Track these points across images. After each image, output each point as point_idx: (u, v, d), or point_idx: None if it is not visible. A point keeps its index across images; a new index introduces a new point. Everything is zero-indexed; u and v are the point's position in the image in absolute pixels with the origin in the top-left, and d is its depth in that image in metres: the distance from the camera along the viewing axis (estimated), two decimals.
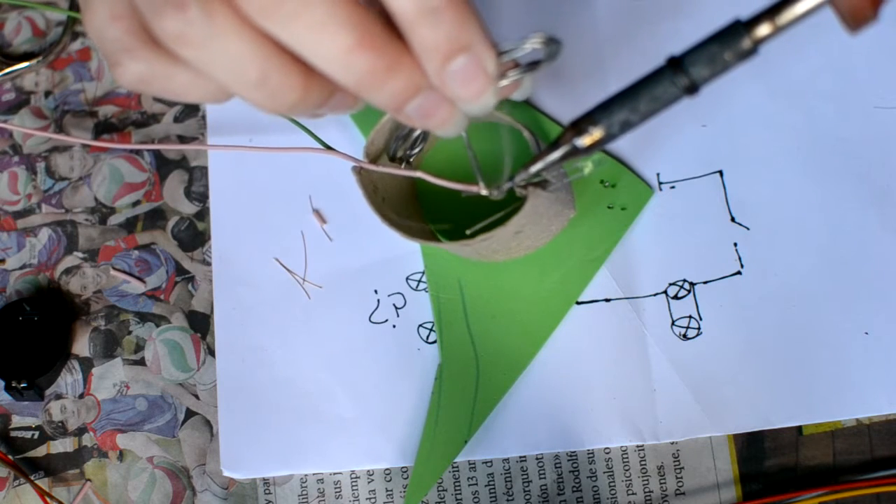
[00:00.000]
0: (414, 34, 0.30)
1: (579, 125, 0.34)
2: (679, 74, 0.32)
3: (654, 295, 0.47)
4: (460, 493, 0.46)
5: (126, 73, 0.32)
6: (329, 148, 0.46)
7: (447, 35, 0.30)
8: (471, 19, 0.30)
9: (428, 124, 0.33)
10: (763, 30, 0.31)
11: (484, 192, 0.40)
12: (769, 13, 0.31)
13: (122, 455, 0.47)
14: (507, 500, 0.46)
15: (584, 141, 0.34)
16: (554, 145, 0.35)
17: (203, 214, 0.50)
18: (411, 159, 0.45)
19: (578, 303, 0.47)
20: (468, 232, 0.42)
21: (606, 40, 0.50)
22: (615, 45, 0.50)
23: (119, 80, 0.32)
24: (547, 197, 0.41)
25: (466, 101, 0.32)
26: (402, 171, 0.44)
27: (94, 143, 0.50)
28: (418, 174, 0.42)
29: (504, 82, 0.33)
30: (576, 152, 0.35)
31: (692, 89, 0.32)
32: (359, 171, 0.44)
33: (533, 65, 0.34)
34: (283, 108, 0.32)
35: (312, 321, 0.48)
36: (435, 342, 0.47)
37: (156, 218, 0.50)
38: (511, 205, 0.41)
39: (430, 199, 0.48)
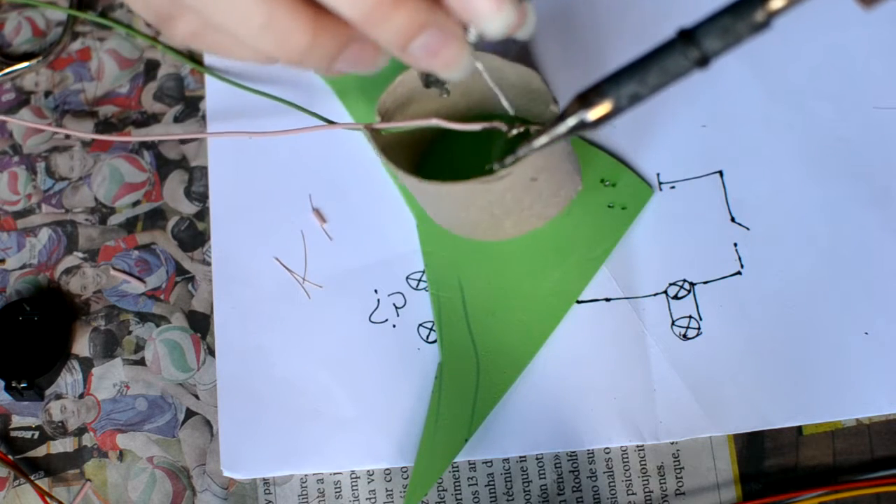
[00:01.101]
0: None
1: (587, 97, 0.33)
2: (690, 47, 0.31)
3: (654, 295, 0.47)
4: (460, 493, 0.46)
5: (177, 32, 0.33)
6: (331, 122, 0.45)
7: None
8: None
9: (434, 64, 0.32)
10: (777, 2, 0.30)
11: (504, 128, 0.39)
12: None
13: (122, 455, 0.47)
14: (507, 500, 0.46)
15: (592, 114, 0.33)
16: (560, 118, 0.34)
17: (203, 214, 0.50)
18: (446, 84, 0.41)
19: (579, 302, 0.47)
20: (488, 167, 0.40)
21: (607, 37, 0.50)
22: (616, 41, 0.50)
23: (172, 39, 0.34)
24: (562, 145, 0.40)
25: (484, 15, 0.31)
26: (416, 123, 0.42)
27: (92, 136, 0.50)
28: (434, 121, 0.41)
29: None
30: (583, 126, 0.34)
31: (703, 62, 0.31)
32: (372, 131, 0.43)
33: None
34: (295, 53, 0.31)
35: (312, 321, 0.48)
36: (435, 342, 0.47)
37: (156, 218, 0.50)
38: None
39: (437, 172, 0.48)
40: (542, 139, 0.36)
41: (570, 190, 0.45)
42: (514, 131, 0.39)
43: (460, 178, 0.40)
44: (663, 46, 0.32)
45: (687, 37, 0.31)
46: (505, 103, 0.40)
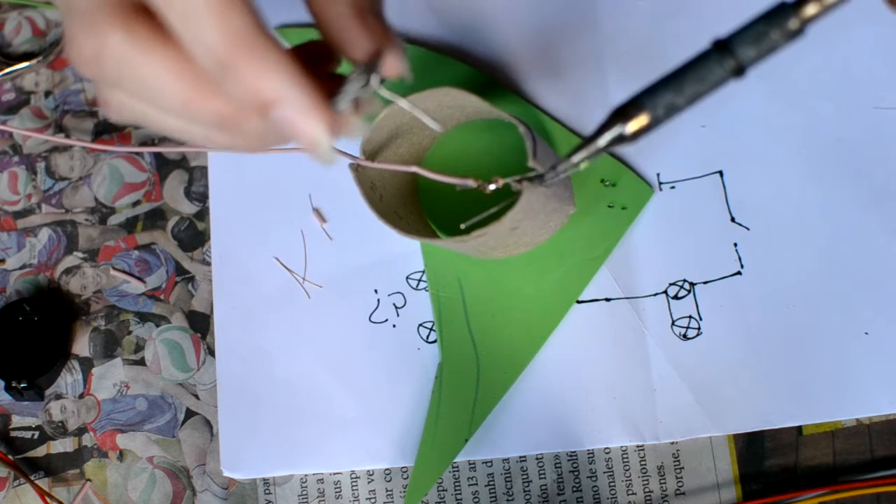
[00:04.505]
0: (226, 90, 0.28)
1: (625, 111, 0.33)
2: (726, 56, 0.31)
3: (654, 295, 0.47)
4: (460, 493, 0.46)
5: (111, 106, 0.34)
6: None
7: (252, 89, 0.27)
8: (272, 64, 0.27)
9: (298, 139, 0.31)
10: (810, 9, 0.31)
11: (477, 185, 0.40)
12: None
13: (122, 455, 0.47)
14: (507, 500, 0.46)
15: (630, 127, 0.33)
16: (599, 132, 0.34)
17: (203, 214, 0.50)
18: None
19: (579, 302, 0.47)
20: (462, 227, 0.41)
21: (607, 39, 0.50)
22: (615, 43, 0.50)
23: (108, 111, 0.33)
24: (542, 192, 0.41)
25: (308, 148, 0.29)
26: (399, 167, 0.43)
27: (91, 145, 0.50)
28: (413, 169, 0.42)
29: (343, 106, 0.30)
30: (622, 139, 0.33)
31: (739, 71, 0.32)
32: (356, 169, 0.44)
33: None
34: (240, 150, 0.33)
35: (312, 321, 0.48)
36: (435, 342, 0.47)
37: (156, 218, 0.50)
38: (509, 199, 0.41)
39: (431, 195, 0.48)
40: (581, 153, 0.35)
41: (559, 219, 0.45)
42: (492, 186, 0.39)
43: (467, 166, 0.41)
44: (699, 57, 0.32)
45: (722, 46, 0.31)
46: (430, 123, 0.39)
